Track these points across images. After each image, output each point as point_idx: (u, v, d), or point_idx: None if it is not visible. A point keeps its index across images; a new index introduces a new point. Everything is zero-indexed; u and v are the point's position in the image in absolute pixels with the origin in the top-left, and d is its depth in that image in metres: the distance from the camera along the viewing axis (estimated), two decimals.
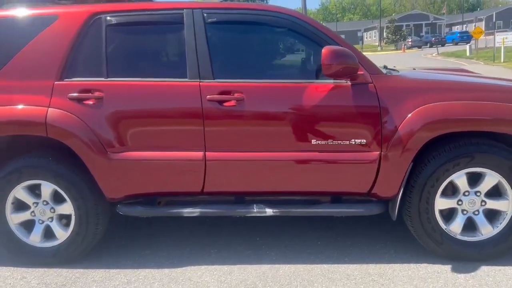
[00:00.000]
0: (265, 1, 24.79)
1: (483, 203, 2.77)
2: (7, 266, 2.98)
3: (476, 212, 2.78)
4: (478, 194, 2.76)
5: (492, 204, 2.77)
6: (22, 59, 2.92)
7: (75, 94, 2.83)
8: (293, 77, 3.05)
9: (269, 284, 2.64)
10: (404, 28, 55.05)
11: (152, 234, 3.43)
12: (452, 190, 2.81)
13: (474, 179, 2.77)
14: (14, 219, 2.95)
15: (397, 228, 3.16)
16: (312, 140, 2.77)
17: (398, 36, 47.76)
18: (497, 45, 21.35)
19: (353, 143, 2.75)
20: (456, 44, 44.80)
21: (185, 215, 2.94)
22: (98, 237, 3.02)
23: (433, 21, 64.85)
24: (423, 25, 65.41)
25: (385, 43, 52.01)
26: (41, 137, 2.84)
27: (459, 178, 2.73)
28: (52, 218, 2.96)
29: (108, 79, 2.87)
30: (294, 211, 2.95)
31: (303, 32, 2.92)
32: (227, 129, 2.82)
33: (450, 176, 2.71)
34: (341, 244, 3.11)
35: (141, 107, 2.87)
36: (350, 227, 3.35)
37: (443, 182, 2.73)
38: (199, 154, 2.81)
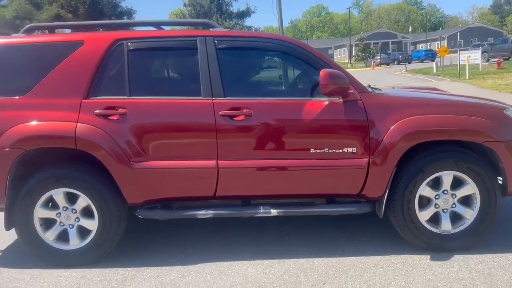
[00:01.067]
0: (253, 28, 25.41)
1: (453, 196, 3.25)
2: (64, 268, 3.23)
3: (453, 205, 3.27)
4: (446, 192, 3.24)
5: (460, 193, 3.25)
6: (52, 79, 3.26)
7: (101, 111, 3.18)
8: (294, 95, 3.56)
9: (309, 273, 3.03)
10: (372, 46, 57.10)
11: (182, 237, 3.74)
12: (434, 186, 3.27)
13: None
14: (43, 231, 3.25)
15: None
16: (311, 149, 3.21)
17: (367, 54, 49.48)
18: (461, 62, 22.66)
19: (345, 151, 3.20)
20: (422, 61, 46.79)
21: (199, 217, 3.31)
22: (117, 240, 3.32)
23: (400, 39, 67.58)
24: (390, 43, 68.10)
25: (355, 60, 53.77)
26: (70, 149, 3.17)
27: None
28: (73, 225, 3.27)
29: (131, 97, 3.24)
30: (295, 211, 3.40)
31: (302, 57, 3.39)
32: (237, 140, 3.23)
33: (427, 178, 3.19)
34: (359, 240, 3.53)
35: (161, 122, 3.24)
36: (358, 227, 3.78)
37: (424, 180, 3.19)
38: (212, 162, 3.19)
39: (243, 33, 3.63)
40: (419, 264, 3.09)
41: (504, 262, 3.06)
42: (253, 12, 26.16)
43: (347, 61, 59.28)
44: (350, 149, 3.20)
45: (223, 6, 25.16)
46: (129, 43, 3.32)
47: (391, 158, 3.15)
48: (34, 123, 3.14)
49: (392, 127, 3.16)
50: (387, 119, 3.19)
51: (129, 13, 25.76)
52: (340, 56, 73.57)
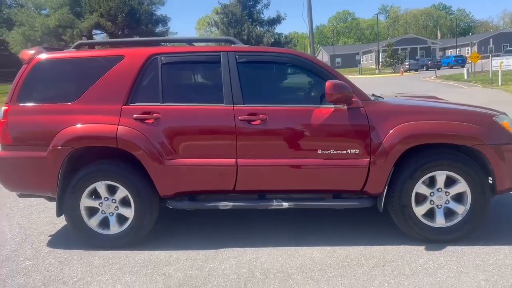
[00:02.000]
0: (283, 35, 25.93)
1: (446, 194, 3.62)
2: (106, 249, 3.74)
3: (447, 202, 3.65)
4: (440, 190, 3.62)
5: (453, 191, 3.62)
6: (98, 88, 3.84)
7: (138, 115, 3.71)
8: (304, 103, 3.97)
9: (368, 258, 3.43)
10: (400, 51, 56.68)
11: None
12: (428, 185, 3.65)
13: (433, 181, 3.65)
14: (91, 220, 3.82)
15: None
16: (318, 150, 3.65)
17: (395, 60, 49.20)
18: (494, 68, 22.48)
19: (349, 152, 3.63)
20: (451, 67, 46.31)
21: (221, 208, 3.79)
22: (150, 227, 3.84)
23: (428, 45, 66.79)
24: (418, 48, 67.39)
25: (382, 66, 53.50)
26: (112, 148, 3.69)
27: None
28: (113, 213, 3.81)
29: (164, 104, 3.76)
30: (304, 204, 3.84)
31: (310, 69, 3.87)
32: (254, 141, 3.70)
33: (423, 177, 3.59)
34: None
35: (189, 125, 3.76)
36: (365, 223, 4.14)
37: (420, 179, 3.58)
38: (232, 160, 3.67)
39: (260, 48, 4.25)
40: (467, 252, 3.45)
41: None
42: (283, 19, 26.63)
43: (374, 66, 59.05)
44: (353, 151, 3.63)
45: (254, 13, 25.71)
46: (162, 58, 3.87)
47: (389, 159, 3.57)
48: (82, 125, 3.72)
49: (390, 132, 3.58)
50: (386, 124, 3.62)
51: (163, 20, 26.70)
52: (368, 62, 73.24)
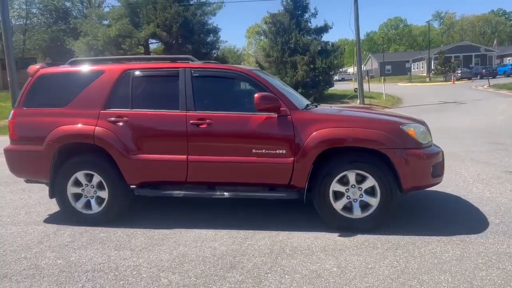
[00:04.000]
0: (329, 43, 26.45)
1: (359, 189, 4.24)
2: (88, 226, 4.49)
3: (361, 195, 4.26)
4: (353, 186, 4.25)
5: (364, 186, 4.23)
6: (83, 96, 4.74)
7: (112, 118, 4.60)
8: (244, 110, 4.59)
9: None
10: (453, 59, 55.03)
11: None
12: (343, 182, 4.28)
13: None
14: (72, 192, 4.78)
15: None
16: (253, 150, 4.35)
17: (447, 68, 47.92)
18: None
19: (278, 152, 4.32)
20: (508, 76, 44.50)
21: (175, 195, 4.61)
22: (123, 209, 4.82)
23: (483, 53, 64.27)
24: (473, 56, 64.99)
25: (434, 74, 52.23)
26: (90, 144, 4.61)
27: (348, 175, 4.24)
28: (93, 196, 4.76)
29: (132, 109, 4.62)
30: (241, 194, 4.53)
31: (250, 83, 4.62)
32: (201, 141, 4.46)
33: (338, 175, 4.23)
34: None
35: (151, 127, 4.61)
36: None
37: (335, 177, 4.22)
38: (184, 157, 4.46)
39: (212, 65, 4.95)
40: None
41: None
42: (331, 28, 26.97)
43: (425, 74, 57.69)
44: (280, 151, 4.32)
45: (302, 22, 26.28)
46: (134, 72, 4.76)
47: (308, 159, 4.23)
48: (68, 126, 4.65)
49: (310, 136, 4.23)
50: (307, 130, 4.27)
51: (214, 30, 27.90)
52: (418, 70, 71.55)
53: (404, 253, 3.72)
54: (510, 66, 47.58)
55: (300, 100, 5.02)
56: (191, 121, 4.45)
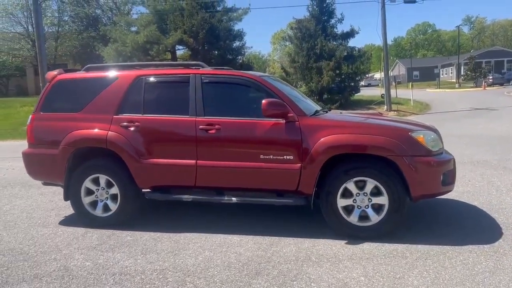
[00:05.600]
0: (356, 48, 26.37)
1: (364, 194, 4.19)
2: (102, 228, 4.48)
3: (370, 200, 4.19)
4: (358, 194, 4.19)
5: (368, 190, 4.19)
6: (97, 101, 4.85)
7: (124, 123, 4.68)
8: (252, 116, 4.53)
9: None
10: (484, 64, 53.55)
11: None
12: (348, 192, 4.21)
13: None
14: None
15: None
16: (261, 155, 4.34)
17: (477, 74, 46.66)
18: None
19: (285, 158, 4.29)
20: None
21: (184, 199, 4.66)
22: (136, 205, 4.89)
23: None
24: (505, 61, 63.10)
25: (463, 80, 50.95)
26: (103, 148, 4.70)
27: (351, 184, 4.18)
28: (106, 199, 4.84)
29: (144, 115, 4.70)
30: (249, 199, 4.53)
31: (259, 89, 4.61)
32: (210, 146, 4.48)
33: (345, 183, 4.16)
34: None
35: (161, 132, 4.67)
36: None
37: (341, 186, 4.16)
38: (193, 161, 4.49)
39: (222, 71, 4.94)
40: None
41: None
42: (357, 33, 26.72)
43: (454, 80, 56.36)
44: (288, 157, 4.28)
45: (328, 28, 26.13)
46: (146, 78, 4.83)
47: (316, 165, 4.18)
48: (83, 130, 4.76)
49: (318, 142, 4.19)
50: (315, 136, 4.23)
51: (240, 35, 28.05)
52: (447, 76, 69.93)
53: (434, 263, 3.61)
54: None
55: (310, 106, 4.98)
56: (200, 127, 4.49)
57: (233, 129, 4.49)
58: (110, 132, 4.68)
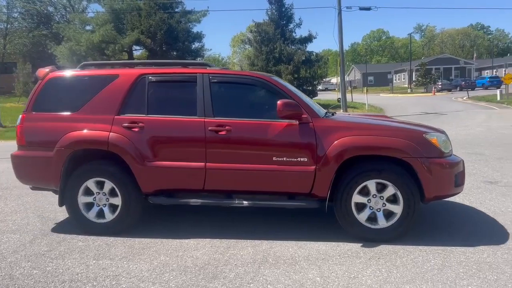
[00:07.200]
0: (313, 53, 26.78)
1: (381, 198, 4.18)
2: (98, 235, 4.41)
3: (384, 204, 4.19)
4: (375, 196, 4.18)
5: (385, 195, 4.18)
6: (96, 101, 4.56)
7: (126, 124, 4.43)
8: (264, 117, 4.48)
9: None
10: (433, 71, 56.12)
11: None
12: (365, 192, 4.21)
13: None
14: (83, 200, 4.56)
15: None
16: (274, 157, 4.25)
17: (428, 79, 48.84)
18: None
19: (299, 160, 4.22)
20: (486, 88, 45.53)
21: (192, 203, 4.42)
22: (136, 217, 4.56)
23: (463, 65, 65.73)
24: (453, 68, 66.41)
25: (415, 86, 53.14)
26: (104, 150, 4.42)
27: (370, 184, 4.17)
28: (106, 204, 4.54)
29: (148, 115, 4.46)
30: (260, 203, 4.44)
31: (270, 89, 4.49)
32: (220, 148, 4.32)
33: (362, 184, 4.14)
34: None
35: (167, 133, 4.45)
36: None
37: (357, 187, 4.15)
38: (202, 164, 4.32)
39: (230, 71, 4.89)
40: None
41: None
42: (315, 38, 27.23)
43: (406, 86, 58.66)
44: (302, 159, 4.21)
45: (287, 32, 26.50)
46: (149, 77, 4.60)
47: (331, 167, 4.14)
48: (81, 131, 4.45)
49: (333, 144, 4.15)
50: (330, 137, 4.19)
51: (199, 37, 27.90)
52: (400, 81, 72.69)
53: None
54: (488, 79, 48.72)
55: (319, 108, 4.88)
56: (209, 128, 4.32)
57: (245, 131, 4.34)
58: (111, 133, 4.39)
